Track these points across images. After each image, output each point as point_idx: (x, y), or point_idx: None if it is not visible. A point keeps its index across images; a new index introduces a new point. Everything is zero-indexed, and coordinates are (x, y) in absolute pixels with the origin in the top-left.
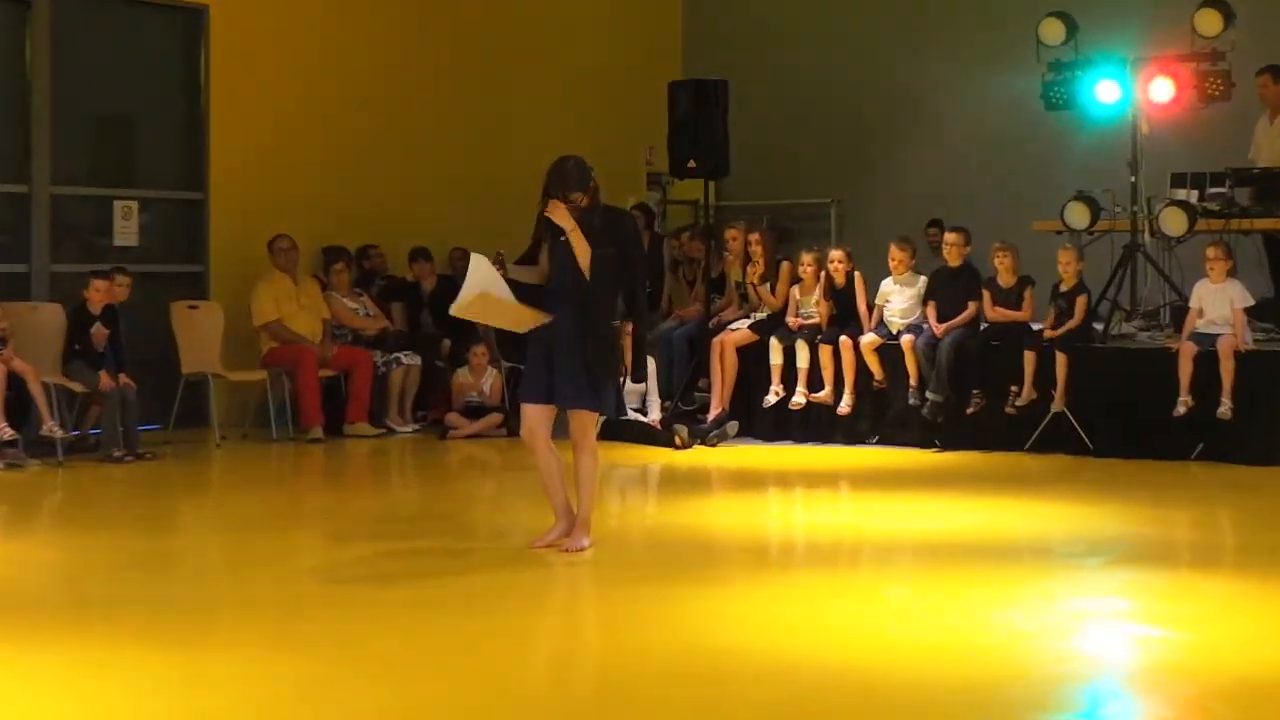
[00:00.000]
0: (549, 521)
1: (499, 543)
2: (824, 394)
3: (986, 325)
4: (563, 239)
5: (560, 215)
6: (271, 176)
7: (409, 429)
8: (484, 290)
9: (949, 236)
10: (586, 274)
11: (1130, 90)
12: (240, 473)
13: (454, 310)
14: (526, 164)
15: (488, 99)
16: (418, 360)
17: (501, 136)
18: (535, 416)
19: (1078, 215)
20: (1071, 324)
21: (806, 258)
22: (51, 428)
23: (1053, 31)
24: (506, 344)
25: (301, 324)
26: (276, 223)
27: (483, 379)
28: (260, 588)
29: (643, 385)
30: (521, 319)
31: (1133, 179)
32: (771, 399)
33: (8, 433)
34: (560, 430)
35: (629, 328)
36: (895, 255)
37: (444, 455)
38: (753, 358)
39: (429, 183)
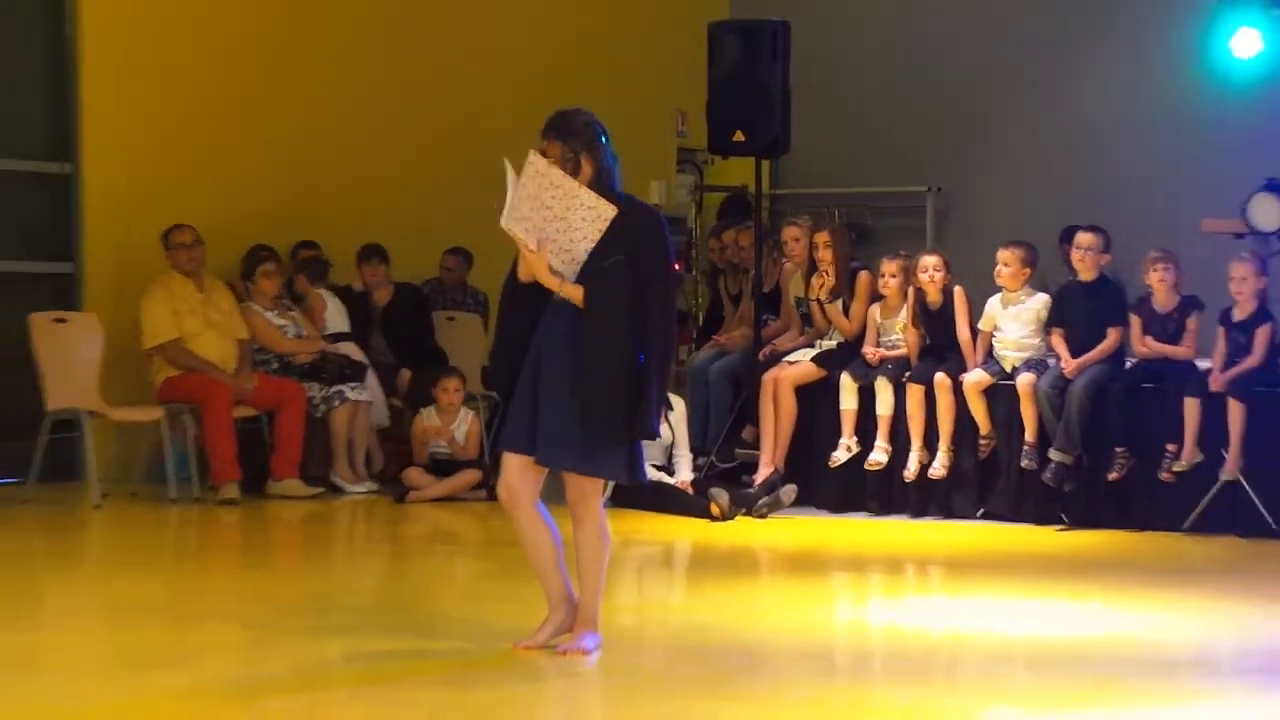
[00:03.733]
0: (541, 614)
1: (474, 644)
2: (913, 451)
3: (1134, 362)
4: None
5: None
6: (168, 145)
7: (361, 489)
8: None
9: (1081, 238)
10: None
11: None
12: (127, 544)
13: (504, 220)
14: (511, 135)
15: (462, 48)
16: (366, 395)
17: (479, 98)
18: (516, 471)
19: (1266, 212)
20: (1250, 362)
21: (890, 266)
22: None
23: None
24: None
25: (210, 346)
26: (175, 209)
27: (454, 423)
28: (153, 701)
29: (667, 435)
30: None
31: None
32: (842, 456)
33: None
34: (558, 494)
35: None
36: (1006, 263)
37: (402, 524)
38: (817, 401)
39: (384, 160)
